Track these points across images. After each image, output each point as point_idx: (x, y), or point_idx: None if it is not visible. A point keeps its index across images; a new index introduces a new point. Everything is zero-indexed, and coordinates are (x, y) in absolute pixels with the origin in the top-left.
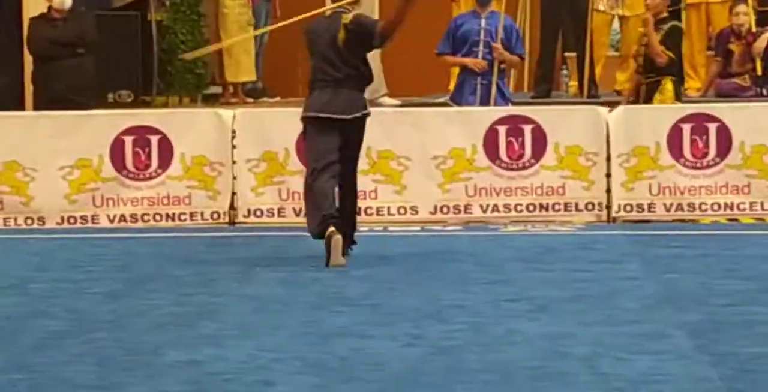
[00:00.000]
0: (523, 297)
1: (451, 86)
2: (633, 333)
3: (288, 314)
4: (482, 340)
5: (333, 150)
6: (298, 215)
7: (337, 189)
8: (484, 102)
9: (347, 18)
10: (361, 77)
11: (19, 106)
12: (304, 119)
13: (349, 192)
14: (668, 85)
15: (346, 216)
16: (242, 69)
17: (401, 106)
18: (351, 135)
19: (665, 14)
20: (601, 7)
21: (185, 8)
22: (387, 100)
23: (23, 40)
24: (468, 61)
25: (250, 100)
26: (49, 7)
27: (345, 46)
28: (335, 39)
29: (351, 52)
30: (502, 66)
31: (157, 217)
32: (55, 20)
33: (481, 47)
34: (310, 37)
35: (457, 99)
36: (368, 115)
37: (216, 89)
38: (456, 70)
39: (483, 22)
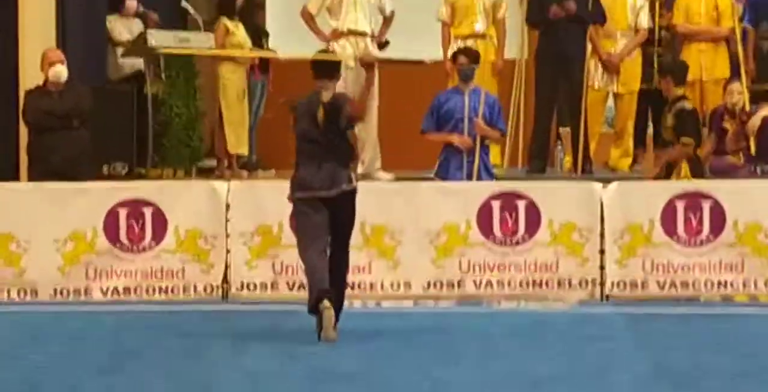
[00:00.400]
0: (515, 373)
1: None
2: None
3: (282, 388)
4: None
5: (320, 225)
6: (291, 289)
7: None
8: (470, 177)
9: (326, 96)
10: (343, 153)
11: (14, 177)
12: (290, 198)
13: (339, 268)
14: (685, 169)
15: (335, 293)
16: (240, 141)
17: (396, 180)
18: (338, 211)
19: (680, 92)
20: (596, 85)
21: (181, 82)
22: (382, 173)
23: (19, 111)
24: (455, 139)
25: (245, 173)
26: (45, 80)
27: (324, 123)
28: (315, 117)
29: (330, 129)
30: (486, 142)
31: (151, 290)
32: (50, 92)
33: (465, 124)
34: (294, 115)
35: (443, 174)
36: (354, 190)
37: (210, 162)
38: None
39: (466, 98)
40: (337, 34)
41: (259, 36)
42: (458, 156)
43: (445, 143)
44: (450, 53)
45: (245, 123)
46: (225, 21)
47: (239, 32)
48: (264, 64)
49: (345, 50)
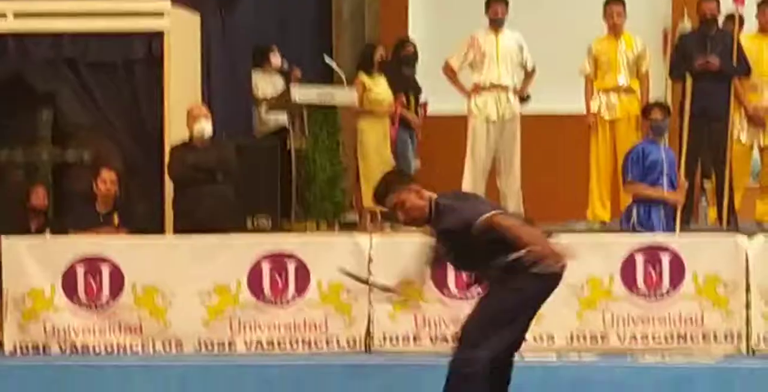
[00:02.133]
0: None
1: (598, 212)
2: None
3: None
4: None
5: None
6: (433, 342)
7: None
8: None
9: None
10: None
11: (160, 231)
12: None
13: None
14: None
15: None
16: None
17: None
18: None
19: None
20: (742, 138)
21: (324, 137)
22: None
23: (164, 167)
24: (669, 195)
25: (388, 225)
26: (190, 136)
27: None
28: None
29: None
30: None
31: (294, 343)
32: (195, 148)
33: (665, 178)
34: None
35: (648, 226)
36: None
37: (353, 216)
38: (602, 196)
39: (663, 153)
40: (478, 89)
41: (406, 90)
42: (658, 210)
43: (647, 197)
44: (593, 107)
45: None
46: (362, 76)
47: (378, 87)
48: (403, 120)
49: (486, 105)
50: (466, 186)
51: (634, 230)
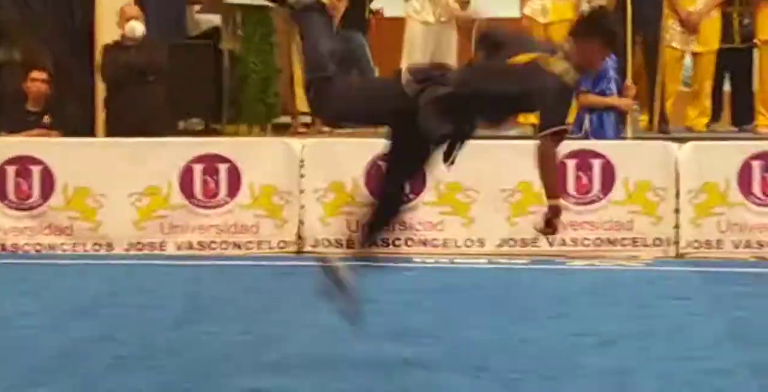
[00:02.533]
0: (589, 331)
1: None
2: (699, 370)
3: (356, 344)
4: (548, 373)
5: None
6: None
7: None
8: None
9: None
10: None
11: (92, 133)
12: None
13: None
14: None
15: None
16: None
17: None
18: None
19: None
20: (674, 43)
21: (257, 38)
22: None
23: (95, 68)
24: (620, 101)
25: (327, 129)
26: (122, 36)
27: None
28: None
29: None
30: None
31: (224, 245)
32: (127, 48)
33: (613, 84)
34: None
35: (601, 134)
36: None
37: (286, 119)
38: None
39: (609, 59)
40: None
41: None
42: (611, 117)
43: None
44: (527, 10)
45: None
46: None
47: None
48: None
49: (423, 7)
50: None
51: (586, 138)
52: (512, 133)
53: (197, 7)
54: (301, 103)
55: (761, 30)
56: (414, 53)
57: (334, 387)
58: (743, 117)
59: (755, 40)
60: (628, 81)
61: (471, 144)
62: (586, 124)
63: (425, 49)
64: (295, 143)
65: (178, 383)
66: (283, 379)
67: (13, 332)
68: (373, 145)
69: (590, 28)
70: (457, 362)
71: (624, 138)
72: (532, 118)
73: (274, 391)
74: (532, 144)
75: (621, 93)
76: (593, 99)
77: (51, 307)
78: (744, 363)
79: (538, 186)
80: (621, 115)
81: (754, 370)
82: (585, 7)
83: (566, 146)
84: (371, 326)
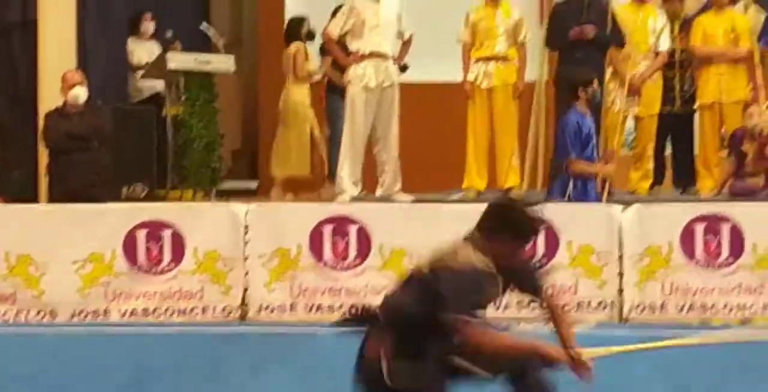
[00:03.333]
0: None
1: (474, 182)
2: None
3: None
4: None
5: None
6: (309, 311)
7: None
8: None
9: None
10: None
11: (34, 198)
12: None
13: None
14: None
15: None
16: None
17: (414, 201)
18: None
19: None
20: (616, 107)
21: (200, 103)
22: (401, 195)
23: (38, 133)
24: (606, 169)
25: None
26: (65, 102)
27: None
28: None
29: None
30: None
31: (169, 312)
32: (70, 114)
33: (595, 150)
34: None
35: (584, 198)
36: None
37: (231, 184)
38: (479, 165)
39: (591, 123)
40: (358, 57)
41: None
42: (593, 182)
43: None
44: (470, 76)
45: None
46: (300, 45)
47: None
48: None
49: (365, 73)
50: (345, 153)
51: (570, 201)
52: (454, 197)
53: (140, 73)
54: (277, 167)
55: (701, 94)
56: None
57: None
58: (685, 180)
59: (696, 105)
60: (613, 147)
61: (413, 208)
62: (570, 189)
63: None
64: (240, 208)
65: None
66: None
67: None
68: (317, 210)
69: (497, 224)
70: None
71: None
72: (477, 184)
73: None
74: (475, 206)
75: (603, 159)
76: (583, 167)
77: None
78: None
79: None
80: (602, 182)
81: None
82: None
83: None
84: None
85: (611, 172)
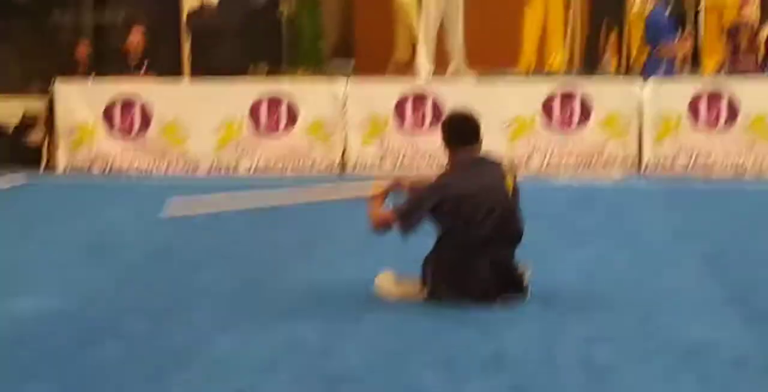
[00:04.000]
0: (570, 228)
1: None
2: (656, 260)
3: (384, 242)
4: (537, 262)
5: None
6: (393, 167)
7: None
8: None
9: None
10: None
11: (179, 76)
12: None
13: None
14: None
15: None
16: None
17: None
18: None
19: None
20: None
21: (308, 4)
22: (466, 74)
23: (182, 27)
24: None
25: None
26: (202, 3)
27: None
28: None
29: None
30: None
31: (284, 167)
32: (205, 13)
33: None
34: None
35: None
36: None
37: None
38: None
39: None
40: None
41: None
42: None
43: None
44: None
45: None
46: None
47: None
48: None
49: None
50: (422, 42)
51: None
52: (509, 77)
53: None
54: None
55: None
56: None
57: (373, 274)
58: (693, 63)
59: (700, 6)
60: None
61: (478, 83)
62: (663, 68)
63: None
64: (340, 84)
65: (250, 270)
66: (332, 268)
67: (112, 235)
68: (401, 86)
69: (442, 132)
70: None
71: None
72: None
73: (324, 276)
74: (527, 81)
75: (678, 44)
76: (670, 48)
77: (149, 214)
78: (690, 252)
79: (529, 118)
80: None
81: (700, 256)
82: None
83: (553, 85)
84: None
85: (686, 51)
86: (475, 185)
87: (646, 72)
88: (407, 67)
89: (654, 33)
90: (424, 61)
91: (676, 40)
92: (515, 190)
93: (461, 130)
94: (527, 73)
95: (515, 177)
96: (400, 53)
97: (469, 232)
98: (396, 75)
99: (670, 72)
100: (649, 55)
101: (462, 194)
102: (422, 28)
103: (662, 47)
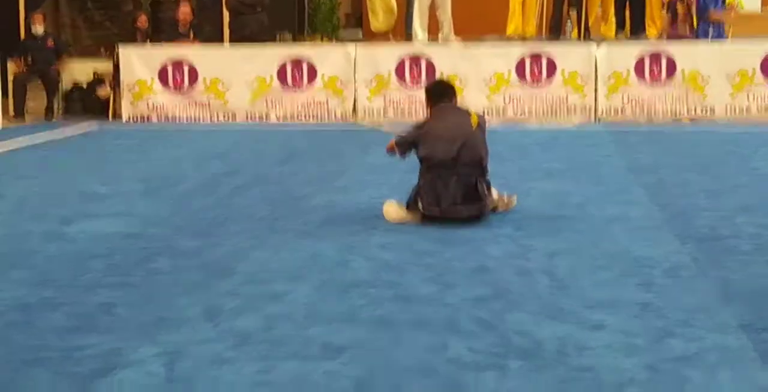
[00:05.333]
0: (538, 167)
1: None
2: (608, 190)
3: (389, 176)
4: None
5: None
6: (395, 115)
7: None
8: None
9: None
10: None
11: (221, 42)
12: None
13: None
14: None
15: None
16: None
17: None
18: None
19: None
20: None
21: None
22: (454, 38)
23: (222, 1)
24: (727, 16)
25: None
26: None
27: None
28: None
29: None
30: None
31: (307, 115)
32: None
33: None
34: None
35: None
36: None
37: (345, 33)
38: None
39: None
40: None
41: None
42: (723, 25)
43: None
44: None
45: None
46: None
47: None
48: None
49: None
50: (416, 12)
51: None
52: (489, 41)
53: None
54: (373, 24)
55: None
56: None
57: (380, 200)
58: (639, 29)
59: None
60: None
61: (462, 47)
62: (711, 31)
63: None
64: (351, 48)
65: (281, 200)
66: (347, 196)
67: (166, 171)
68: (400, 50)
69: (425, 95)
70: None
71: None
72: (519, 29)
73: (341, 204)
74: (504, 45)
75: (725, 12)
76: (717, 14)
77: (196, 154)
78: (637, 184)
79: (507, 74)
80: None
81: (644, 188)
82: None
83: (524, 48)
84: (402, 162)
85: (730, 17)
86: (445, 122)
87: (699, 36)
88: (384, 37)
89: (704, 1)
90: (418, 29)
91: (722, 9)
92: (479, 125)
93: (436, 92)
94: (506, 38)
95: (480, 117)
96: (376, 24)
97: (440, 157)
98: (377, 41)
99: (720, 35)
100: (699, 21)
101: (434, 130)
102: (416, 2)
103: (712, 13)
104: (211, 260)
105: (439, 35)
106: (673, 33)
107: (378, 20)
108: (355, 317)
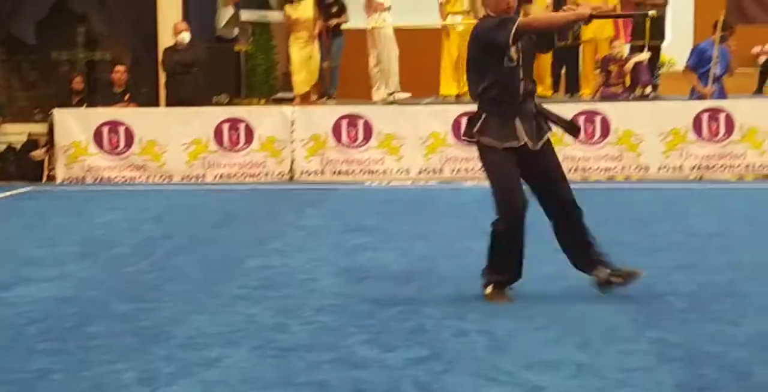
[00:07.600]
0: (473, 225)
1: (447, 89)
2: (547, 248)
3: (327, 236)
4: (449, 252)
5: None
6: (332, 175)
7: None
8: None
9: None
10: None
11: (156, 104)
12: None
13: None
14: None
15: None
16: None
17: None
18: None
19: None
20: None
21: (263, 41)
22: (401, 94)
23: (158, 63)
24: (706, 92)
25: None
26: (176, 42)
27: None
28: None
29: None
30: None
31: (244, 176)
32: (179, 50)
33: (711, 75)
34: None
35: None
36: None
37: (282, 94)
38: (444, 72)
39: (716, 52)
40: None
41: (328, 10)
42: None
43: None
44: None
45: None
46: (287, 8)
47: (300, 11)
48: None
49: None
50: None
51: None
52: (427, 101)
53: (223, 23)
54: (297, 87)
55: (584, 33)
56: None
57: (314, 264)
58: (573, 88)
59: (579, 40)
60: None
61: (400, 107)
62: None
63: None
64: (288, 109)
65: (214, 265)
66: (283, 258)
67: (102, 233)
68: (336, 110)
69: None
70: (390, 244)
71: None
72: (449, 91)
73: (277, 266)
74: (441, 107)
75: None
76: (691, 75)
77: (132, 216)
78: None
79: (443, 135)
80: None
81: None
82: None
83: (462, 108)
84: (337, 224)
85: (710, 94)
86: None
87: (692, 97)
88: (305, 99)
89: (697, 63)
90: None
91: (710, 83)
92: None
93: None
94: (442, 98)
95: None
96: (298, 89)
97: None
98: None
99: (722, 95)
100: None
101: None
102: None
103: (697, 87)
104: (147, 324)
105: (377, 95)
106: (606, 92)
107: (299, 80)
108: (293, 382)
